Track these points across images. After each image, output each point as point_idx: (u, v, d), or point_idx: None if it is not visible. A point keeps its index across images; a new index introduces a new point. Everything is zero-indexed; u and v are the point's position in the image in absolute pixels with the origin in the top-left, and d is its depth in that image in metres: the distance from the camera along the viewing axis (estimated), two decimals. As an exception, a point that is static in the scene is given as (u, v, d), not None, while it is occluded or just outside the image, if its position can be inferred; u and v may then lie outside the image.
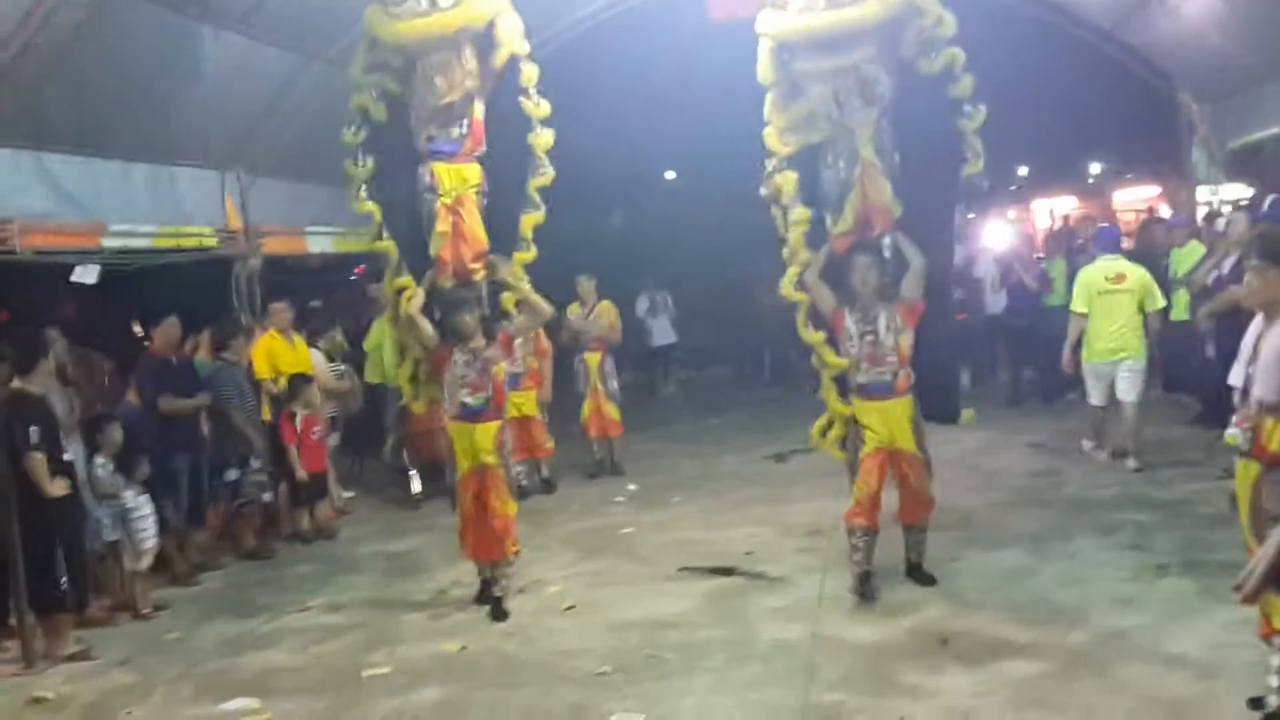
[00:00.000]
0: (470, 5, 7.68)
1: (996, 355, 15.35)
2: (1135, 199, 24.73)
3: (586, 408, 11.94)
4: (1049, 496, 9.47)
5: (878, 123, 7.22)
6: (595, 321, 11.90)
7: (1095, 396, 10.49)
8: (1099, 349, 10.23)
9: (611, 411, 11.91)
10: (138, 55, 8.79)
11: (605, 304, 12.11)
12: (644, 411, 16.29)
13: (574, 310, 11.92)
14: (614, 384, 12.00)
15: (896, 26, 7.13)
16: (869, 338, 7.04)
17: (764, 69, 7.50)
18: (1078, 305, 10.35)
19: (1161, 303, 10.39)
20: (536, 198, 7.94)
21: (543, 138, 7.91)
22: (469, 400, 7.48)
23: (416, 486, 11.27)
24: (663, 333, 18.26)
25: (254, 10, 9.45)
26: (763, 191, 7.60)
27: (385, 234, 7.86)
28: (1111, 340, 10.13)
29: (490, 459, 7.47)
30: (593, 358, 11.89)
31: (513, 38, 7.84)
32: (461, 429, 7.54)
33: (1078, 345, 10.42)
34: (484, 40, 7.84)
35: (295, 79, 10.89)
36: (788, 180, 7.44)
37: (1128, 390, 10.12)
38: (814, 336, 7.42)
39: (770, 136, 7.53)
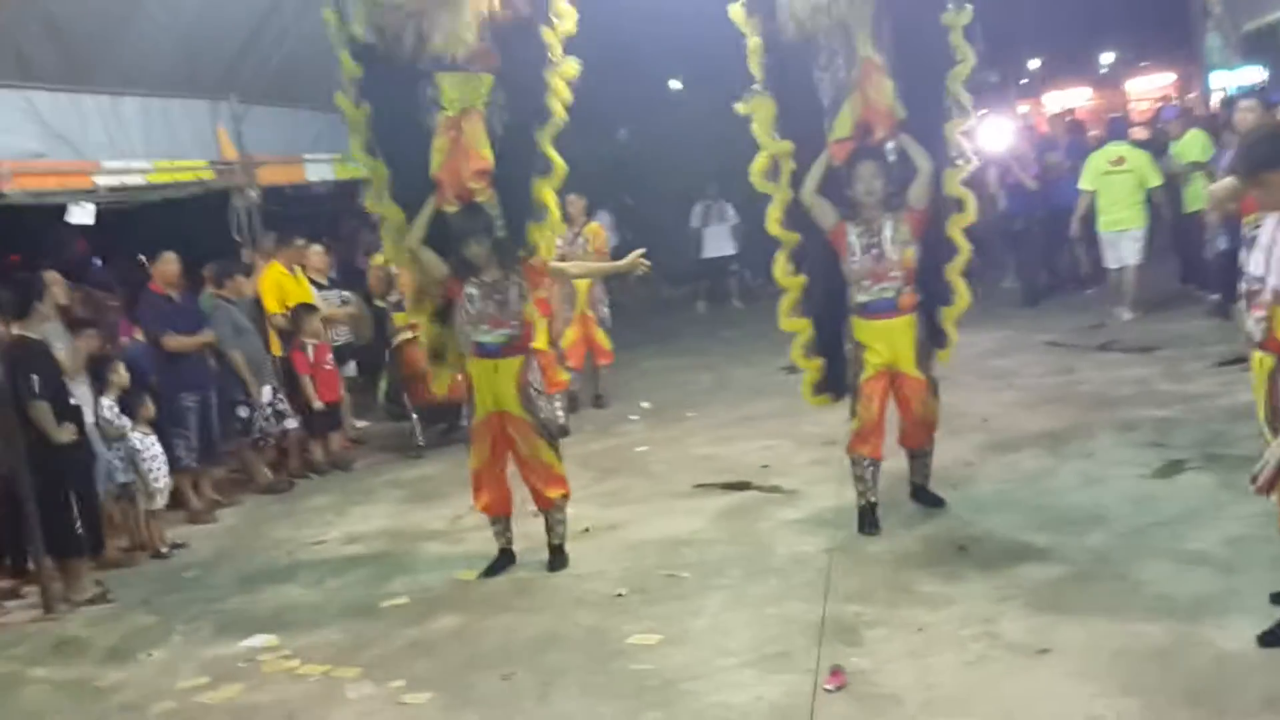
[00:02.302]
0: None
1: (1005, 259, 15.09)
2: (1150, 87, 24.30)
3: (570, 335, 10.94)
4: (1066, 395, 9.35)
5: (876, 16, 6.56)
6: (581, 250, 10.86)
7: (1109, 261, 12.44)
8: (1105, 221, 12.27)
9: (603, 340, 11.26)
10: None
11: (594, 225, 11.46)
12: (654, 324, 16.27)
13: (560, 232, 10.95)
14: (604, 309, 11.35)
15: None
16: (873, 251, 6.51)
17: None
18: (1084, 184, 12.37)
19: (1156, 180, 12.05)
20: (552, 153, 6.94)
21: (566, 68, 6.86)
22: (487, 338, 6.71)
23: (419, 435, 10.51)
24: (717, 242, 17.41)
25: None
26: (739, 107, 6.77)
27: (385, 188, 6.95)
28: (1113, 214, 12.15)
29: (512, 405, 6.72)
30: (581, 283, 10.87)
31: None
32: (480, 367, 6.76)
33: (1087, 219, 12.42)
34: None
35: (279, 2, 10.62)
36: (762, 107, 6.71)
37: (1129, 255, 12.17)
38: (791, 281, 6.84)
39: (751, 50, 6.71)
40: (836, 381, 6.98)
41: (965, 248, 6.70)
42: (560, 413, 9.89)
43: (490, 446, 6.84)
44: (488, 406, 6.77)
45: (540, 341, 9.67)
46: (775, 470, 8.30)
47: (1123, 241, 12.17)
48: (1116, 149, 12.45)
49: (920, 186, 6.54)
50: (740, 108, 6.79)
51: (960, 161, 6.64)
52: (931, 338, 6.79)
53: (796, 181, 6.74)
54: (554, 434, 7.03)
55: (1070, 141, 14.98)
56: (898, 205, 6.57)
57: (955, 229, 6.69)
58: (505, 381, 6.71)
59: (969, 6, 6.55)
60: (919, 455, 7.04)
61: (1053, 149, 14.78)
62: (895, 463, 7.08)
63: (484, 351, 6.74)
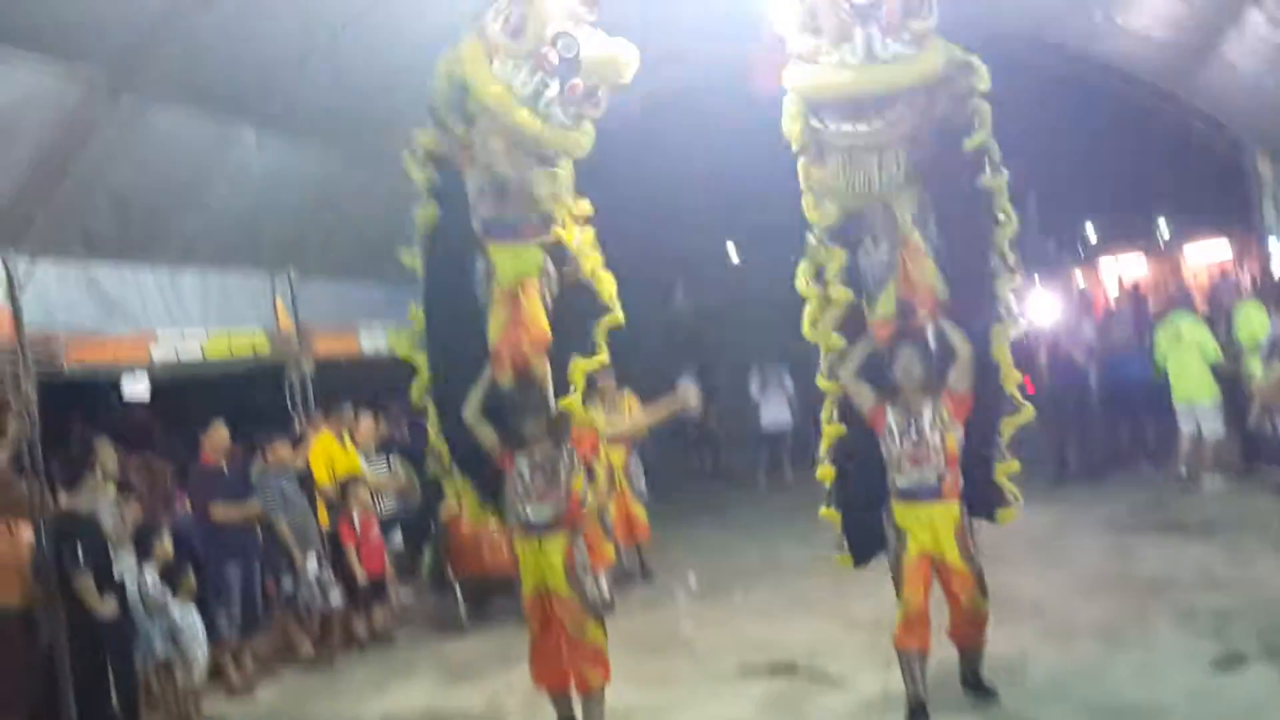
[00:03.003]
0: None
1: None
2: (1207, 257, 24.21)
3: (611, 509, 10.38)
4: (1123, 577, 9.06)
5: (920, 198, 6.60)
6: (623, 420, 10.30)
7: (1184, 425, 12.28)
8: (1176, 393, 12.23)
9: (640, 513, 11.00)
10: (179, 161, 8.89)
11: (628, 396, 11.10)
12: (708, 494, 16.10)
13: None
14: (641, 482, 11.14)
15: (933, 87, 6.45)
16: (912, 435, 6.42)
17: (790, 126, 6.70)
18: (1158, 357, 12.41)
19: (1213, 357, 11.95)
20: (600, 341, 7.07)
21: (604, 282, 7.05)
22: (534, 512, 6.66)
23: (463, 609, 10.26)
24: (774, 412, 16.66)
25: (290, 110, 9.45)
26: (799, 283, 6.88)
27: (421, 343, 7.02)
28: (1182, 387, 12.13)
29: (559, 584, 6.63)
30: (616, 455, 10.36)
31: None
32: (526, 545, 6.72)
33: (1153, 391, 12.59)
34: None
35: (340, 177, 10.92)
36: (834, 257, 6.75)
37: (1202, 427, 12.06)
38: (835, 429, 6.81)
39: (808, 205, 6.84)
40: (860, 544, 6.84)
41: (1026, 406, 6.62)
42: (605, 589, 9.57)
43: (541, 624, 6.76)
44: (534, 586, 6.70)
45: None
46: (823, 653, 8.07)
47: (1194, 413, 12.08)
48: (1177, 321, 12.43)
49: (960, 371, 6.47)
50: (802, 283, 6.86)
51: (1006, 318, 6.59)
52: (987, 503, 6.63)
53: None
54: (601, 612, 6.90)
55: (1134, 314, 14.92)
56: (938, 389, 6.50)
57: (1011, 386, 6.62)
58: (551, 560, 6.64)
59: (1005, 172, 6.57)
60: (969, 649, 6.79)
61: (1118, 321, 14.68)
62: (948, 647, 6.83)
63: (530, 529, 6.69)
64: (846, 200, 6.68)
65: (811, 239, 6.88)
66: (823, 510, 6.93)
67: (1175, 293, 16.29)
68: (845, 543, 6.92)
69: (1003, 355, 6.60)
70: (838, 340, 6.76)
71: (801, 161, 6.78)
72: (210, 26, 7.76)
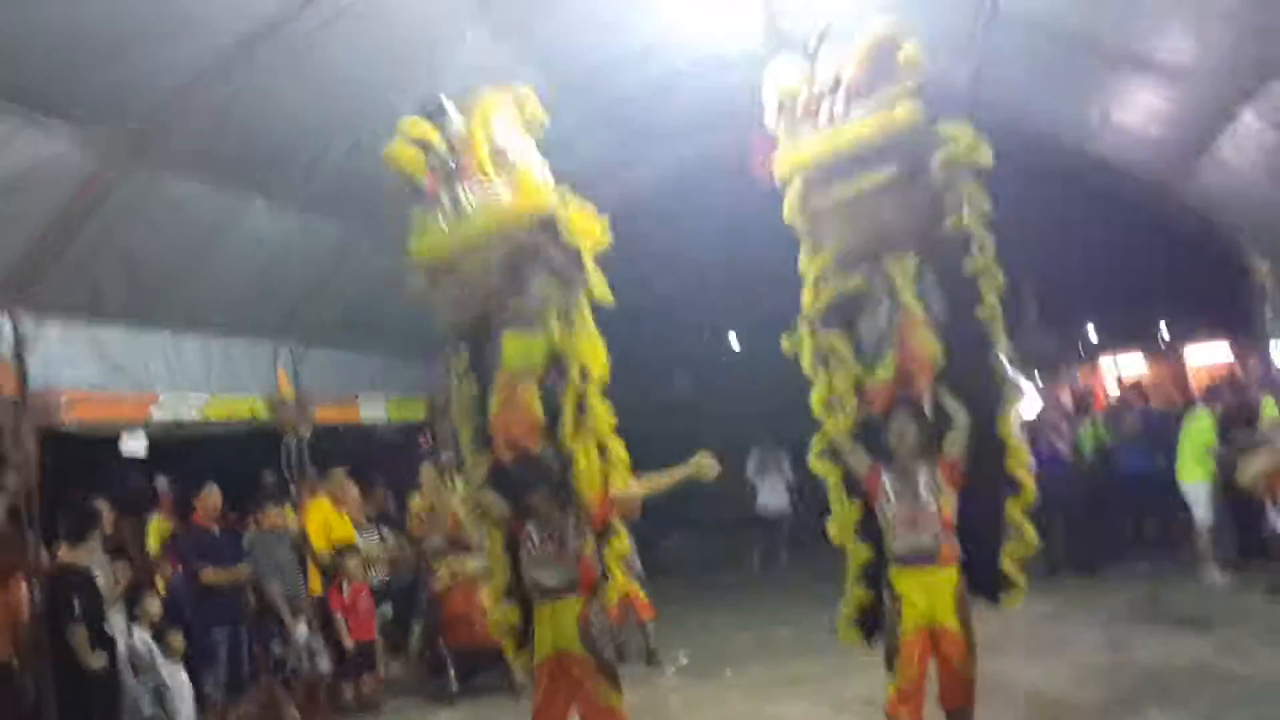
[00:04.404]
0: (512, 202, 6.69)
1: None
2: (1207, 358, 24.29)
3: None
4: (1117, 670, 9.00)
5: (919, 266, 6.65)
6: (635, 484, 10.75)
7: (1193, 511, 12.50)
8: (1178, 476, 12.53)
9: (638, 592, 10.59)
10: (190, 228, 8.97)
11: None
12: (703, 575, 16.06)
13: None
14: (636, 561, 10.77)
15: (921, 151, 6.43)
16: (908, 499, 6.44)
17: (790, 207, 6.74)
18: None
19: (1209, 439, 12.26)
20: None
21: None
22: (546, 578, 6.72)
23: (452, 679, 10.28)
24: (771, 495, 16.92)
25: (304, 183, 9.59)
26: (784, 344, 6.91)
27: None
28: (1180, 467, 12.45)
29: (573, 644, 6.62)
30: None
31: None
32: (541, 609, 6.77)
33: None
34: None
35: (348, 249, 11.02)
36: (839, 342, 6.78)
37: (1195, 511, 12.30)
38: (851, 511, 6.76)
39: (806, 292, 6.88)
40: (872, 621, 6.79)
41: (1029, 486, 6.57)
42: (651, 638, 10.10)
43: (550, 691, 6.69)
44: (547, 649, 6.69)
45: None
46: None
47: (1188, 495, 12.39)
48: (1193, 410, 12.94)
49: (954, 437, 6.48)
50: (785, 344, 6.90)
51: (1013, 395, 6.63)
52: (991, 585, 6.59)
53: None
54: (618, 678, 6.78)
55: (1143, 407, 14.99)
56: (933, 454, 6.51)
57: (1017, 468, 6.58)
58: (565, 620, 6.65)
59: (992, 254, 6.54)
60: (959, 716, 6.65)
61: (1118, 415, 14.76)
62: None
63: (543, 594, 6.73)
64: (846, 280, 6.74)
65: (806, 325, 6.90)
66: (849, 590, 6.85)
67: (1192, 390, 16.37)
68: (857, 618, 6.86)
69: (1008, 435, 6.59)
70: (845, 422, 6.77)
71: (803, 243, 6.86)
72: (228, 99, 7.91)
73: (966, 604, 6.50)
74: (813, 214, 6.71)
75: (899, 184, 6.39)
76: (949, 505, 6.46)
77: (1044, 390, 16.34)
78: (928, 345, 6.57)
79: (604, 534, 6.95)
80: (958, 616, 6.42)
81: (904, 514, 6.47)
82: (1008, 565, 6.60)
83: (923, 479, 6.47)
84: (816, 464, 6.89)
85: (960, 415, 6.50)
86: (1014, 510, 6.57)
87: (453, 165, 6.71)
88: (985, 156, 6.49)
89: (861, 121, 6.38)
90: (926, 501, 6.44)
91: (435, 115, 6.82)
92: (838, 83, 6.44)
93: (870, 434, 6.67)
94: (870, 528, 6.75)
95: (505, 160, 6.77)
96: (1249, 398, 13.06)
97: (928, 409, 6.64)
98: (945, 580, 6.44)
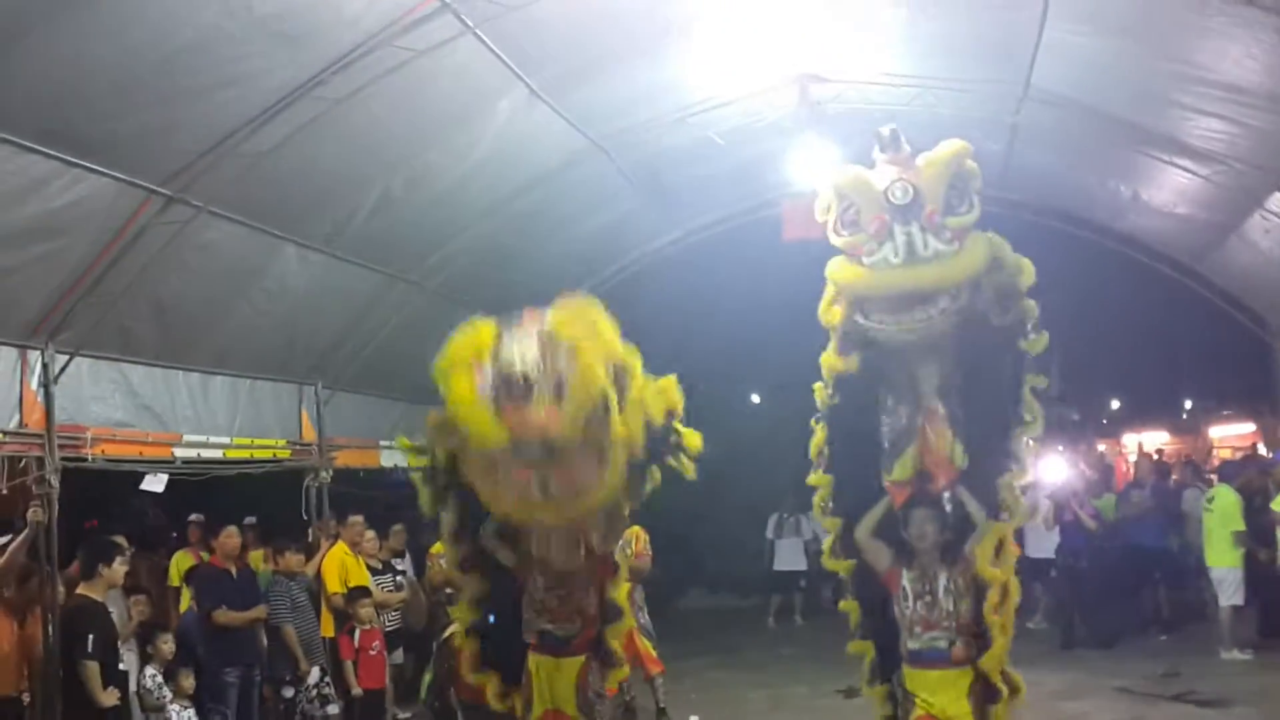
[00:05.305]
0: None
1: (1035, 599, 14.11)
2: (1231, 434, 24.20)
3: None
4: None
5: (945, 369, 6.53)
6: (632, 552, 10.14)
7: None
8: (1206, 560, 12.58)
9: (648, 648, 10.56)
10: (221, 272, 9.09)
11: (635, 529, 10.53)
12: (718, 636, 15.98)
13: None
14: (644, 616, 10.67)
15: (976, 281, 6.35)
16: (925, 598, 6.31)
17: (827, 312, 6.62)
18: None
19: (1235, 526, 12.23)
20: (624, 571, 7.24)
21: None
22: (551, 629, 6.74)
23: None
24: (789, 556, 17.08)
25: (337, 232, 9.73)
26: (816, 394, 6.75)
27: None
28: (1208, 551, 12.47)
29: (569, 707, 6.62)
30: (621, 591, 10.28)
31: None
32: (540, 662, 6.76)
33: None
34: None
35: (378, 298, 11.16)
36: (816, 437, 6.75)
37: (1221, 593, 12.25)
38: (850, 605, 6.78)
39: (818, 389, 6.76)
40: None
41: (1014, 589, 6.45)
42: (660, 696, 9.99)
43: None
44: (545, 704, 6.66)
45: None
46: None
47: (1216, 578, 12.36)
48: (1215, 489, 12.94)
49: (976, 540, 6.38)
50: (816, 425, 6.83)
51: (1010, 513, 6.53)
52: (985, 692, 6.41)
53: (854, 511, 6.68)
54: None
55: (1155, 483, 14.94)
56: (955, 557, 6.39)
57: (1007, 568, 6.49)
58: (565, 681, 6.63)
59: (1044, 378, 6.57)
60: None
61: (1138, 488, 14.69)
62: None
63: (547, 643, 6.71)
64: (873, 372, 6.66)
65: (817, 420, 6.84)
66: (850, 645, 6.86)
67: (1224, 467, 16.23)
68: (874, 675, 6.80)
69: (1001, 538, 6.50)
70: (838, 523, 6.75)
71: (833, 341, 6.71)
72: (265, 148, 8.05)
73: (981, 706, 6.36)
74: (861, 334, 6.52)
75: (950, 313, 6.28)
76: (967, 609, 6.33)
77: (1067, 462, 16.26)
78: (948, 446, 6.48)
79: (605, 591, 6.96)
80: (972, 710, 6.31)
81: (921, 614, 6.36)
82: (991, 675, 6.36)
83: (942, 580, 6.36)
84: (829, 561, 6.85)
85: (980, 516, 6.41)
86: (988, 613, 6.34)
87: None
88: (1030, 276, 6.41)
89: (941, 267, 6.18)
90: (945, 602, 6.33)
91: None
92: (914, 201, 6.22)
93: (889, 529, 6.56)
94: (878, 628, 6.70)
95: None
96: (1274, 475, 12.95)
97: (947, 506, 6.54)
98: (957, 680, 6.32)
